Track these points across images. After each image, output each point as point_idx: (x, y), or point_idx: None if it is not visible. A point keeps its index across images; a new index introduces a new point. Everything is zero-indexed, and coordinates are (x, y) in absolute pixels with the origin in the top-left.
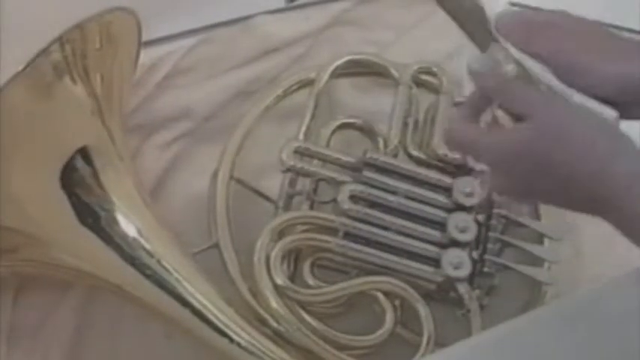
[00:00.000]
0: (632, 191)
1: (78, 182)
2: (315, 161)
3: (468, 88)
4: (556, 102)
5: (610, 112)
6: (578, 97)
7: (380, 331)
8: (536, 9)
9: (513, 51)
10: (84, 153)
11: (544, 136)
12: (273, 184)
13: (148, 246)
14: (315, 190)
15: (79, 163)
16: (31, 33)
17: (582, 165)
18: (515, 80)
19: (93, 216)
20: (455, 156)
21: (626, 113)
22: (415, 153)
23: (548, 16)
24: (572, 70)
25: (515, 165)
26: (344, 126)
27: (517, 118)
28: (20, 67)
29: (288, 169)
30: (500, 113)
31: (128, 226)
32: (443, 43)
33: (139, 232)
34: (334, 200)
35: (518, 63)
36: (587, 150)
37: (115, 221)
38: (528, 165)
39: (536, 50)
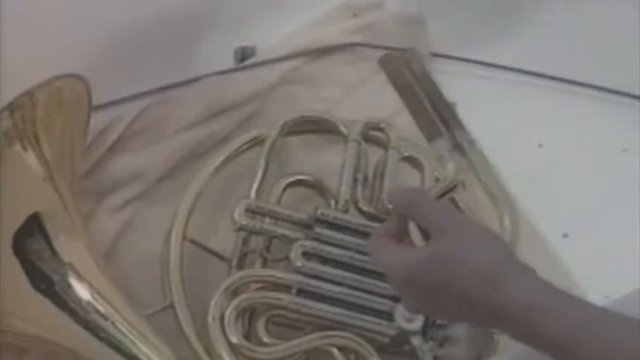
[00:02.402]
0: (527, 315)
1: (31, 248)
2: (268, 219)
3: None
4: (460, 224)
5: None
6: None
7: None
8: None
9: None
10: (36, 219)
11: (438, 260)
12: (227, 243)
13: (102, 309)
14: (268, 248)
15: (32, 229)
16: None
17: (475, 291)
18: (428, 197)
19: (46, 281)
20: None
21: None
22: (365, 208)
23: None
24: None
25: (410, 285)
26: (295, 183)
27: (426, 236)
28: None
29: (241, 228)
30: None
31: (82, 290)
32: (390, 99)
33: (93, 295)
34: (287, 257)
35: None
36: (480, 276)
37: (69, 286)
38: (422, 287)
39: None
